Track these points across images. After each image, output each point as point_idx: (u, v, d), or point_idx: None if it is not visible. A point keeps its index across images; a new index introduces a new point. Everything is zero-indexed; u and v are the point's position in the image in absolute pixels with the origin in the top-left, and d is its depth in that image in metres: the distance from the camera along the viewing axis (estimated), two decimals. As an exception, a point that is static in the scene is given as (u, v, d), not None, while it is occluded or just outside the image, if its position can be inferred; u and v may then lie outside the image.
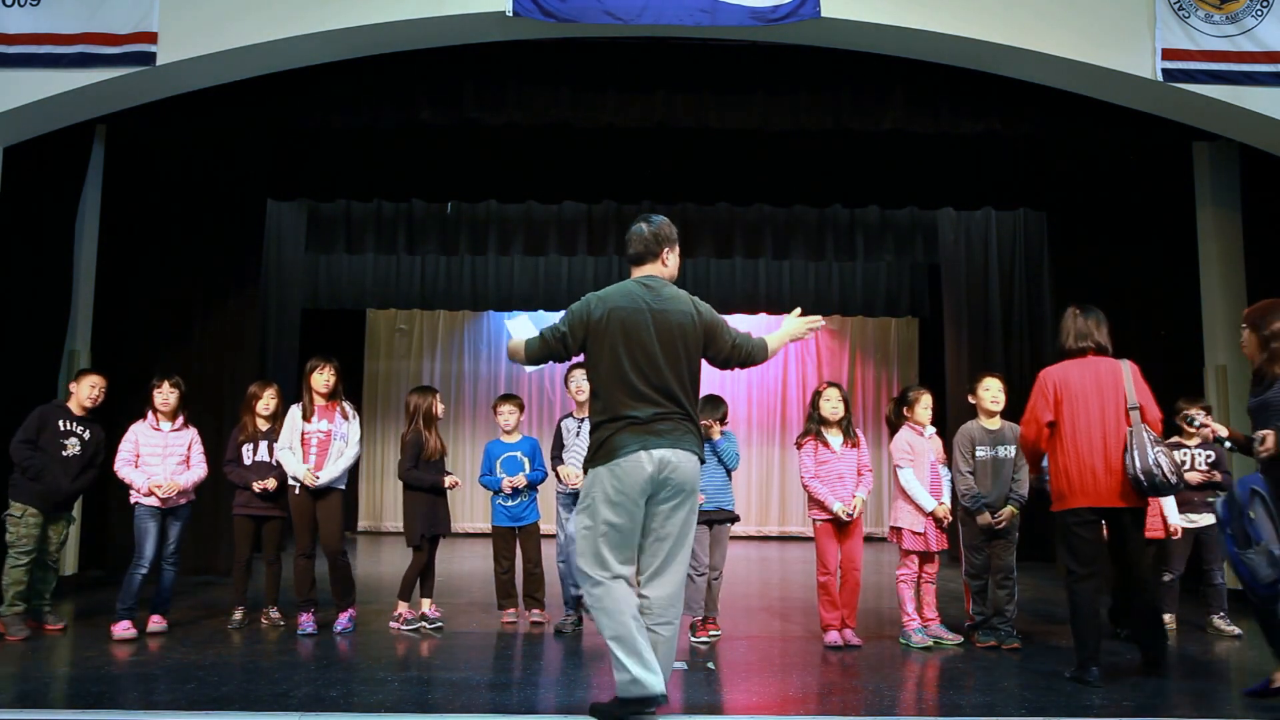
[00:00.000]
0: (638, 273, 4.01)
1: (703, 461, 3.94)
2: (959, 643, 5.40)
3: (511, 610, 5.98)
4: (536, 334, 3.97)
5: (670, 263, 4.04)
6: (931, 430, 5.68)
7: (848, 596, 5.46)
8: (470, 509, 11.51)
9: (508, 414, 6.08)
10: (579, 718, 3.88)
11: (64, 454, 5.57)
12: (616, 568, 3.75)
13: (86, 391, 5.65)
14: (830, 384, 5.69)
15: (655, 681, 3.67)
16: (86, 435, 5.66)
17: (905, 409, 5.69)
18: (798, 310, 4.23)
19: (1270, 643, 4.09)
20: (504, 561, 6.01)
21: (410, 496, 5.83)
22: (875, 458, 11.72)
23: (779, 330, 4.12)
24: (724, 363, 3.99)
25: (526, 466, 5.99)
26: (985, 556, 5.46)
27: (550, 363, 4.12)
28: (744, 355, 3.97)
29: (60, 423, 5.61)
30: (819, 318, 4.13)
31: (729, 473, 5.78)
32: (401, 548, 5.93)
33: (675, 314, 3.87)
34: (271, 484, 5.75)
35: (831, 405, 5.55)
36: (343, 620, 5.60)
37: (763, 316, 11.65)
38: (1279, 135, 6.49)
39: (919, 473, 5.53)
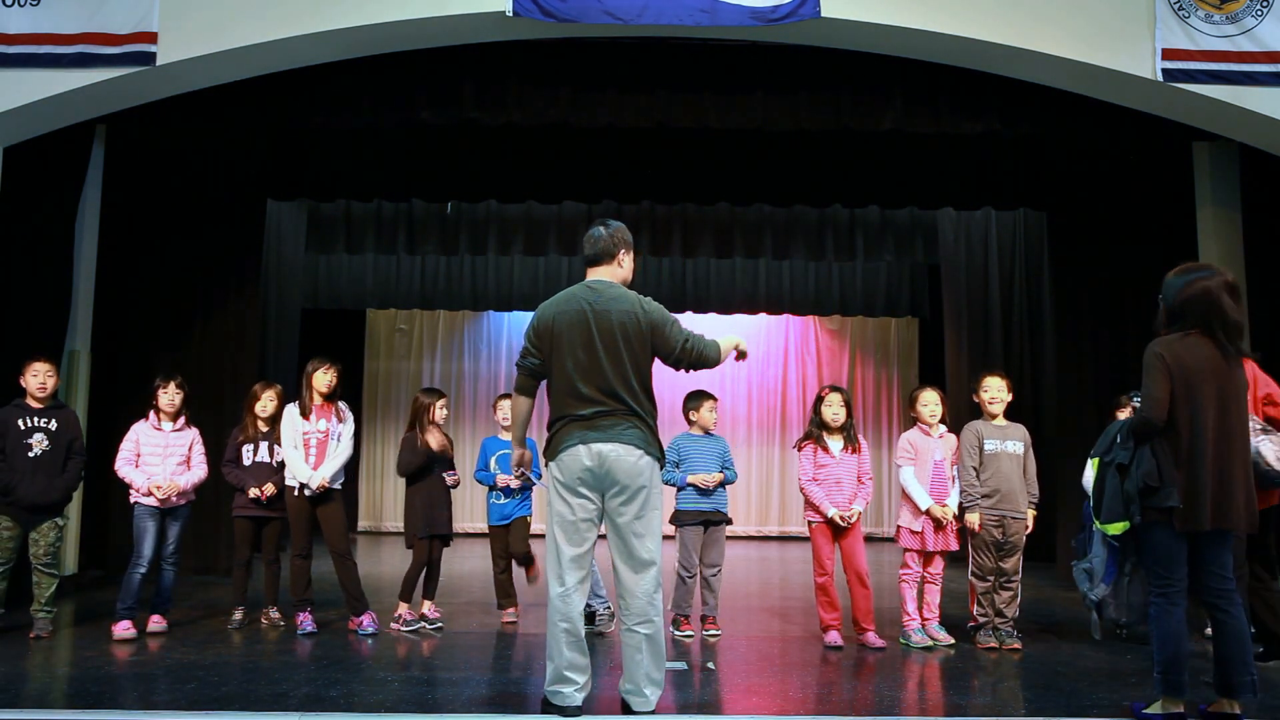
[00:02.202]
0: (592, 274, 4.11)
1: (658, 459, 3.95)
2: (951, 644, 5.39)
3: (511, 610, 5.98)
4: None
5: (625, 265, 4.13)
6: (942, 429, 5.63)
7: (860, 604, 5.41)
8: (470, 509, 11.51)
9: (508, 410, 6.06)
10: (579, 718, 3.88)
11: (30, 454, 5.40)
12: (567, 555, 3.90)
13: (34, 383, 5.50)
14: (833, 388, 5.65)
15: (567, 696, 3.86)
16: (53, 425, 5.50)
17: (909, 409, 5.70)
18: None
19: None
20: (501, 561, 6.02)
21: (410, 496, 5.82)
22: (876, 459, 11.75)
23: (728, 338, 4.14)
24: (675, 363, 4.00)
25: None
26: (993, 559, 5.44)
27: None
28: (695, 356, 3.97)
29: (20, 422, 5.45)
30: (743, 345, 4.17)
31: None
32: (402, 548, 5.93)
33: (616, 313, 3.92)
34: (270, 489, 5.74)
35: (833, 411, 5.53)
36: (366, 622, 5.59)
37: (763, 316, 11.66)
38: (1279, 135, 6.49)
39: (919, 472, 5.52)
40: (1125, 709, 4.04)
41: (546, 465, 4.01)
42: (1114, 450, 3.91)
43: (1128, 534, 3.90)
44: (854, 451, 5.54)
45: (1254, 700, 3.84)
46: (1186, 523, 3.74)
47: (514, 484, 5.90)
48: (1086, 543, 4.04)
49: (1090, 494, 4.15)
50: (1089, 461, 4.15)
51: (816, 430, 5.55)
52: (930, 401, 5.63)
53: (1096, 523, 3.98)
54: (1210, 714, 3.85)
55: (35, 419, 5.50)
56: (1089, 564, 4.01)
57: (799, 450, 5.62)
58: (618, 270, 4.10)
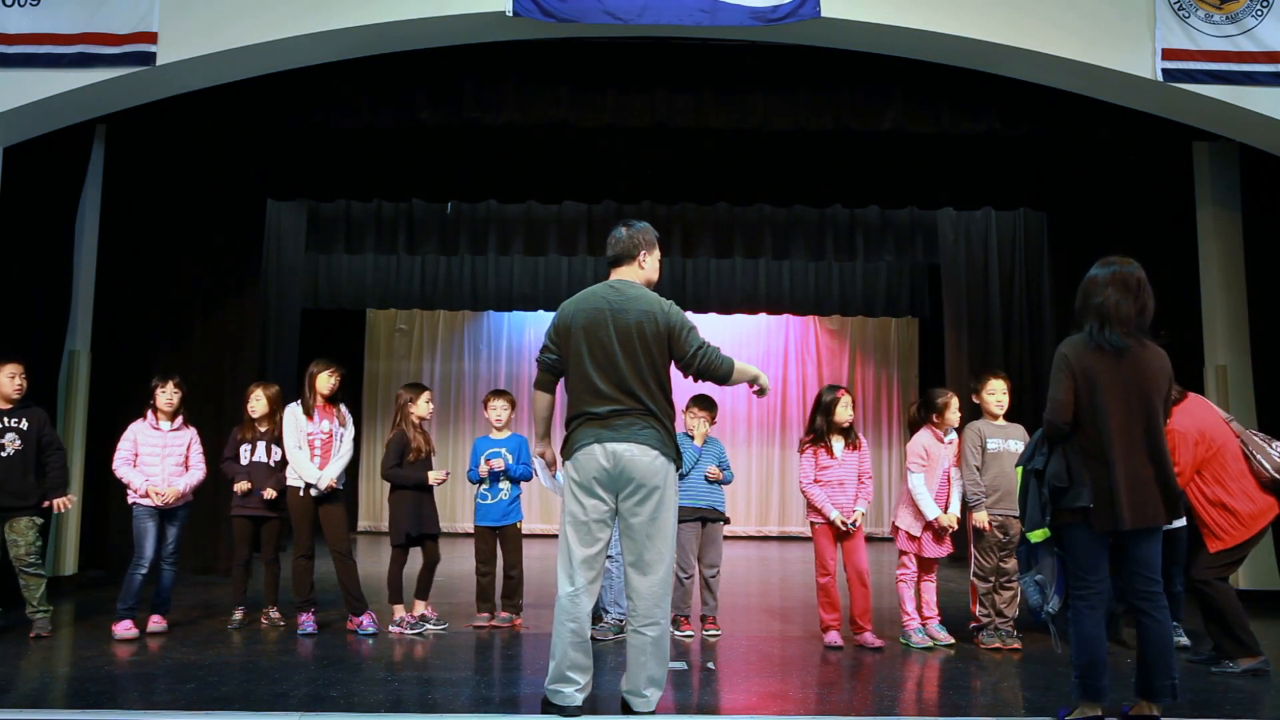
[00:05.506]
0: (614, 274, 4.14)
1: (674, 461, 3.95)
2: (951, 644, 5.39)
3: (485, 615, 5.87)
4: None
5: (648, 265, 4.14)
6: (953, 435, 5.61)
7: (859, 603, 5.41)
8: (468, 509, 11.51)
9: (500, 409, 6.01)
10: (579, 718, 3.88)
11: (2, 455, 5.41)
12: (579, 555, 3.89)
13: (7, 384, 5.50)
14: (844, 389, 5.59)
15: (567, 696, 3.86)
16: (24, 425, 5.50)
17: (935, 415, 5.58)
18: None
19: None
20: (484, 566, 5.91)
21: (395, 496, 5.78)
22: (875, 459, 11.74)
23: (751, 367, 4.10)
24: (685, 368, 4.01)
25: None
26: (995, 559, 5.43)
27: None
28: (702, 365, 3.95)
29: None
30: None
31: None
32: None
33: (635, 314, 3.93)
34: (271, 493, 5.74)
35: (848, 412, 5.49)
36: (366, 622, 5.59)
37: (763, 316, 11.66)
38: (1279, 135, 6.49)
39: (930, 479, 5.49)
40: (1055, 715, 3.99)
41: (565, 462, 4.00)
42: (1035, 457, 3.88)
43: (1055, 541, 3.87)
44: (855, 449, 5.52)
45: (1173, 704, 3.80)
46: (1102, 523, 3.71)
47: (497, 468, 5.81)
48: (1029, 555, 3.99)
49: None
50: (1014, 471, 4.12)
51: (824, 430, 5.50)
52: (955, 405, 5.59)
53: (1025, 532, 3.96)
54: (1131, 716, 3.82)
55: (5, 420, 5.49)
56: (1040, 576, 3.96)
57: (802, 452, 5.59)
58: (639, 271, 4.12)
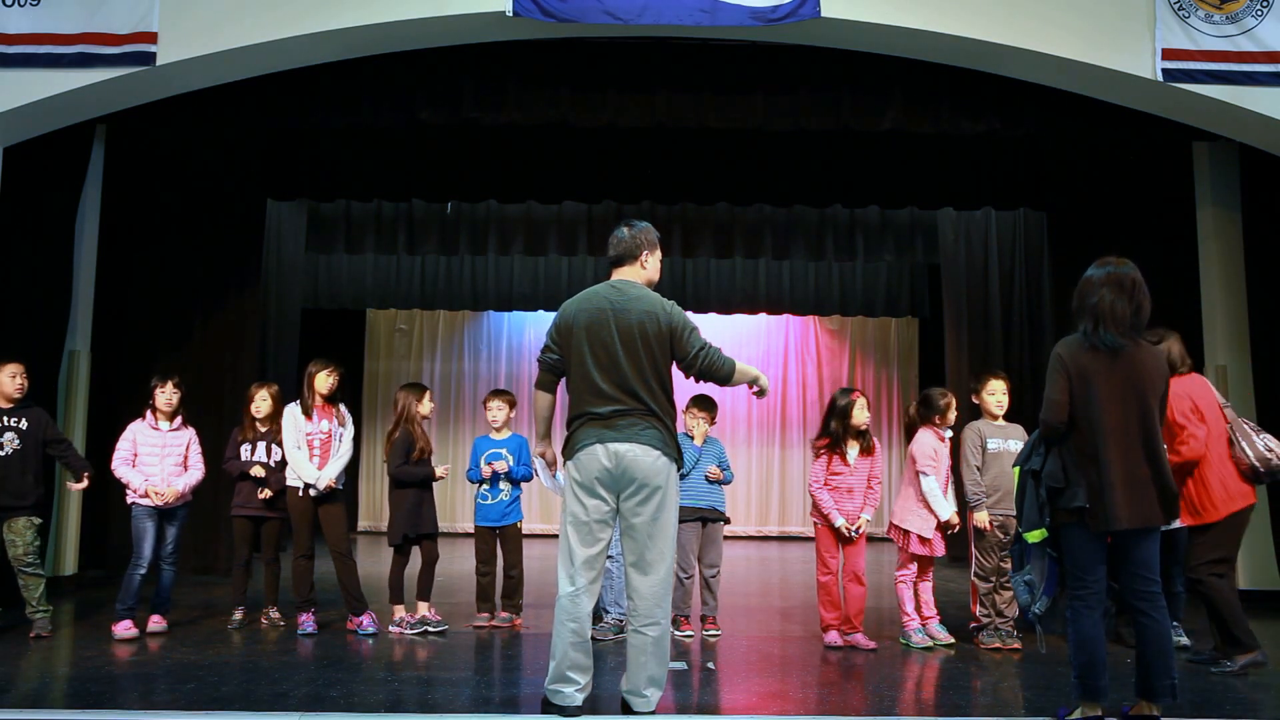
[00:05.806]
0: (616, 274, 4.13)
1: (675, 461, 3.95)
2: (951, 644, 5.39)
3: (485, 615, 5.87)
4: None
5: (650, 265, 4.15)
6: (949, 434, 5.62)
7: (854, 603, 5.41)
8: (469, 508, 11.50)
9: (496, 410, 6.02)
10: (579, 718, 3.88)
11: (1, 454, 5.42)
12: (580, 556, 3.89)
13: (9, 383, 5.50)
14: (857, 390, 5.55)
15: (567, 696, 3.87)
16: (24, 425, 5.50)
17: (937, 416, 5.57)
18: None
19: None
20: (484, 566, 5.91)
21: (395, 496, 5.79)
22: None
23: (751, 368, 4.10)
24: (686, 368, 4.01)
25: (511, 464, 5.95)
26: (997, 560, 5.42)
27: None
28: (704, 366, 3.95)
29: None
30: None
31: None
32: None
33: (636, 314, 3.93)
34: (267, 493, 5.74)
35: (865, 414, 5.45)
36: (366, 622, 5.59)
37: (763, 316, 11.66)
38: (1279, 135, 6.49)
39: (938, 479, 5.49)
40: (1055, 715, 3.99)
41: (567, 462, 4.00)
42: (1032, 457, 3.88)
43: (1050, 541, 3.87)
44: (869, 454, 5.48)
45: (1173, 704, 3.80)
46: (1099, 523, 3.70)
47: (500, 470, 5.82)
48: (1022, 554, 4.00)
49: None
50: (1012, 470, 4.13)
51: (839, 435, 5.42)
52: (954, 405, 5.59)
53: (1022, 532, 3.95)
54: (1131, 716, 3.82)
55: (5, 419, 5.50)
56: (1029, 576, 3.95)
57: (815, 455, 5.53)
58: (641, 271, 4.12)
